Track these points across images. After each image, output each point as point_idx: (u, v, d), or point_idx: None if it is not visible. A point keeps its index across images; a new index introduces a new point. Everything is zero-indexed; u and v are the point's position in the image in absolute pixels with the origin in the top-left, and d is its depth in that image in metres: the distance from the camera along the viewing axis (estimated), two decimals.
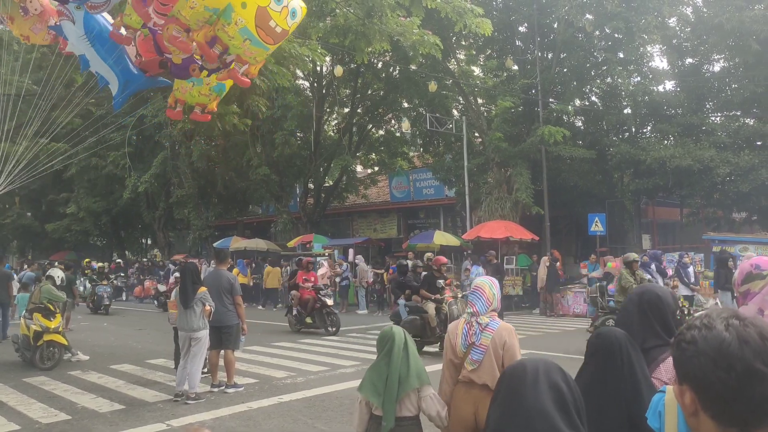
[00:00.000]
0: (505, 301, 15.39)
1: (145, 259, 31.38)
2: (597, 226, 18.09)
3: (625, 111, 22.54)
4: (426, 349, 10.37)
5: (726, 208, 20.71)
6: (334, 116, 27.51)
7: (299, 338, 12.94)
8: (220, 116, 11.24)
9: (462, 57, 23.45)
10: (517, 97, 20.18)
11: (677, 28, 22.09)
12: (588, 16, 20.00)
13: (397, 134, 27.20)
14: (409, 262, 13.45)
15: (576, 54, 21.17)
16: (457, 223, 24.43)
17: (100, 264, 22.16)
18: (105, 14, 7.04)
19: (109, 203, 31.29)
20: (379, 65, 23.34)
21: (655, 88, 22.16)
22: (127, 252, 37.76)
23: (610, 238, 20.85)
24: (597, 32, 20.99)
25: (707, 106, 21.95)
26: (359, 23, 11.74)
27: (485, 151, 21.21)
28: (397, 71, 22.54)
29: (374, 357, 3.79)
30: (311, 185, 26.52)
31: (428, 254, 15.18)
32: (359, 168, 28.27)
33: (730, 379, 1.12)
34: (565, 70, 21.89)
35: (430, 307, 10.45)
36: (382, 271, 19.63)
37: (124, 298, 25.29)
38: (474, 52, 23.52)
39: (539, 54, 21.31)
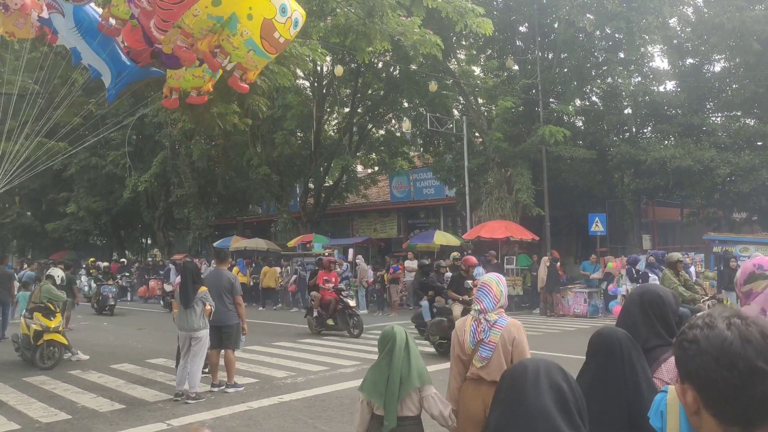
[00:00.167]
0: None
1: (149, 259, 31.34)
2: (597, 227, 18.09)
3: (626, 111, 22.55)
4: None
5: (726, 209, 20.71)
6: (334, 116, 27.52)
7: (299, 338, 12.94)
8: (220, 116, 11.23)
9: (462, 57, 23.43)
10: (518, 97, 20.17)
11: (678, 28, 22.07)
12: (589, 16, 19.98)
13: (398, 134, 27.20)
14: (439, 262, 12.93)
15: (576, 54, 21.14)
16: (458, 223, 24.41)
17: (106, 263, 22.06)
18: (94, 5, 7.00)
19: (109, 203, 31.22)
20: (380, 65, 23.32)
21: (655, 88, 22.18)
22: (127, 251, 37.72)
23: (610, 238, 20.86)
24: (597, 32, 20.96)
25: (708, 106, 21.95)
26: (360, 23, 11.74)
27: (486, 151, 21.20)
28: (397, 71, 22.51)
29: (374, 357, 3.78)
30: (311, 185, 26.50)
31: (455, 253, 14.91)
32: (359, 168, 28.25)
33: (733, 377, 1.12)
34: (565, 70, 21.87)
35: (457, 309, 10.10)
36: (382, 271, 19.62)
37: (129, 298, 24.82)
38: (474, 52, 23.50)
39: (540, 54, 21.29)
